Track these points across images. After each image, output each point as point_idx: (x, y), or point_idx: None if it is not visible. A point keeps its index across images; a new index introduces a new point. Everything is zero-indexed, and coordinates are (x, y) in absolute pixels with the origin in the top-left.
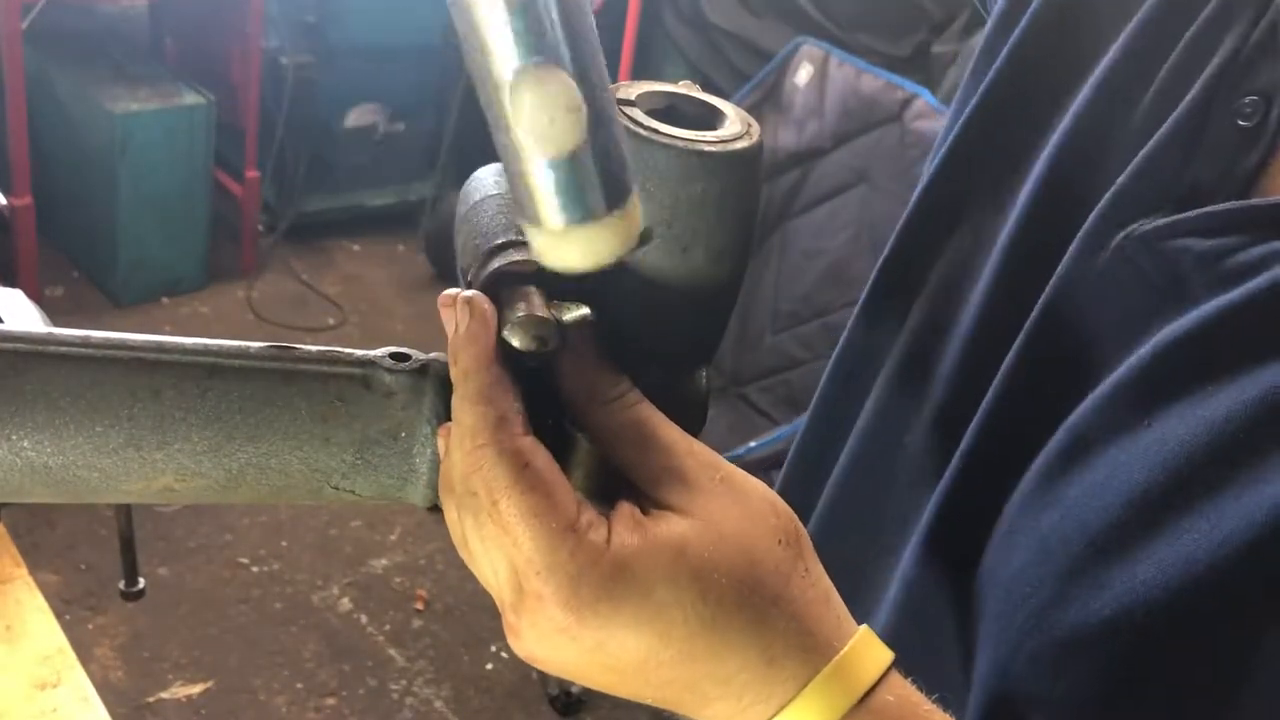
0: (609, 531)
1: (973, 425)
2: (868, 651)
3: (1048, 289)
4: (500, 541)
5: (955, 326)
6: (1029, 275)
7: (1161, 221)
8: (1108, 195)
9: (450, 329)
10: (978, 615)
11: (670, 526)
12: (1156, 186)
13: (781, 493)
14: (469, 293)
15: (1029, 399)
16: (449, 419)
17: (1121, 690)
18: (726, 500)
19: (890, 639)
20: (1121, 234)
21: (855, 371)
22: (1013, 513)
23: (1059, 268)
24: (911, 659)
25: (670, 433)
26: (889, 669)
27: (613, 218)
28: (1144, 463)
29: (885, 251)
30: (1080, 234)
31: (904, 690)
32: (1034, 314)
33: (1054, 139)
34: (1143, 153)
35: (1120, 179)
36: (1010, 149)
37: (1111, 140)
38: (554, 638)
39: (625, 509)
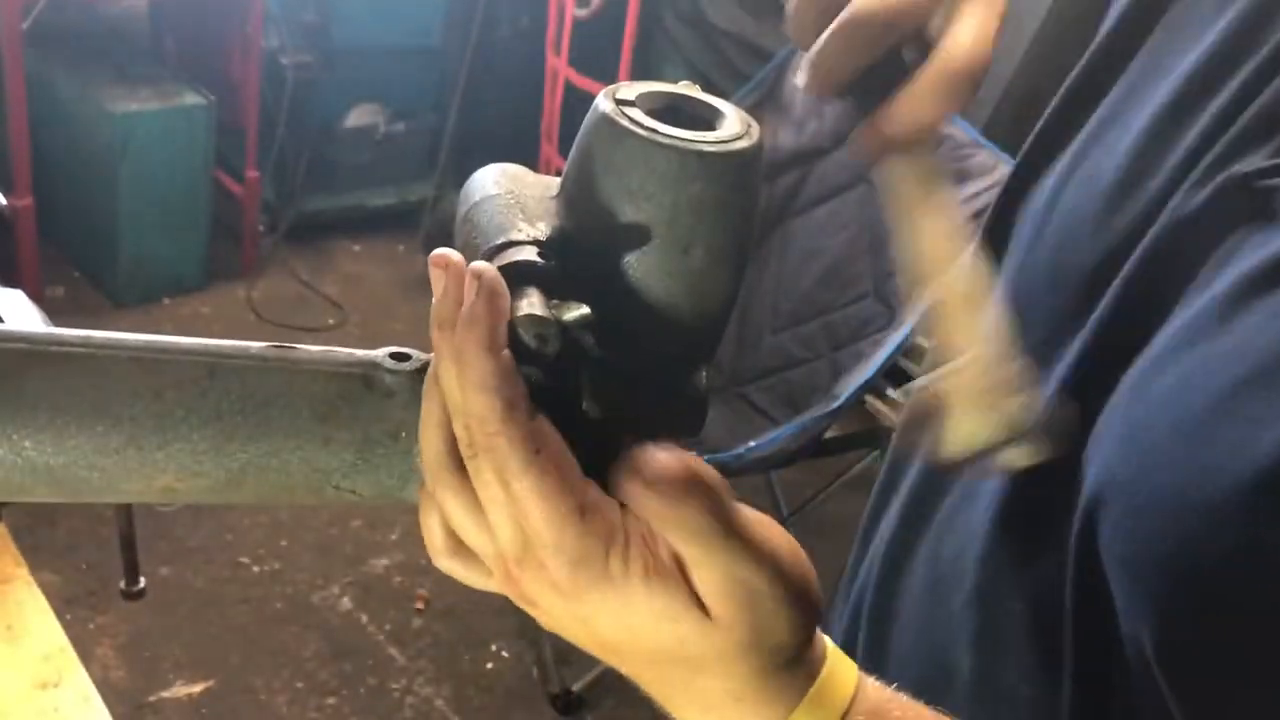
0: (617, 519)
1: (1066, 361)
2: (839, 673)
3: (1152, 230)
4: (510, 510)
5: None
6: (1132, 210)
7: (1265, 164)
8: (1214, 138)
9: (438, 291)
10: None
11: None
12: (1260, 127)
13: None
14: (481, 265)
15: (1124, 336)
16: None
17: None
18: None
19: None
20: (1223, 174)
21: None
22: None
23: (1165, 208)
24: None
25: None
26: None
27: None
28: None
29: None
30: (1181, 176)
31: (876, 697)
32: (1136, 255)
33: (1177, 75)
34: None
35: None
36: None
37: (1224, 84)
38: (549, 595)
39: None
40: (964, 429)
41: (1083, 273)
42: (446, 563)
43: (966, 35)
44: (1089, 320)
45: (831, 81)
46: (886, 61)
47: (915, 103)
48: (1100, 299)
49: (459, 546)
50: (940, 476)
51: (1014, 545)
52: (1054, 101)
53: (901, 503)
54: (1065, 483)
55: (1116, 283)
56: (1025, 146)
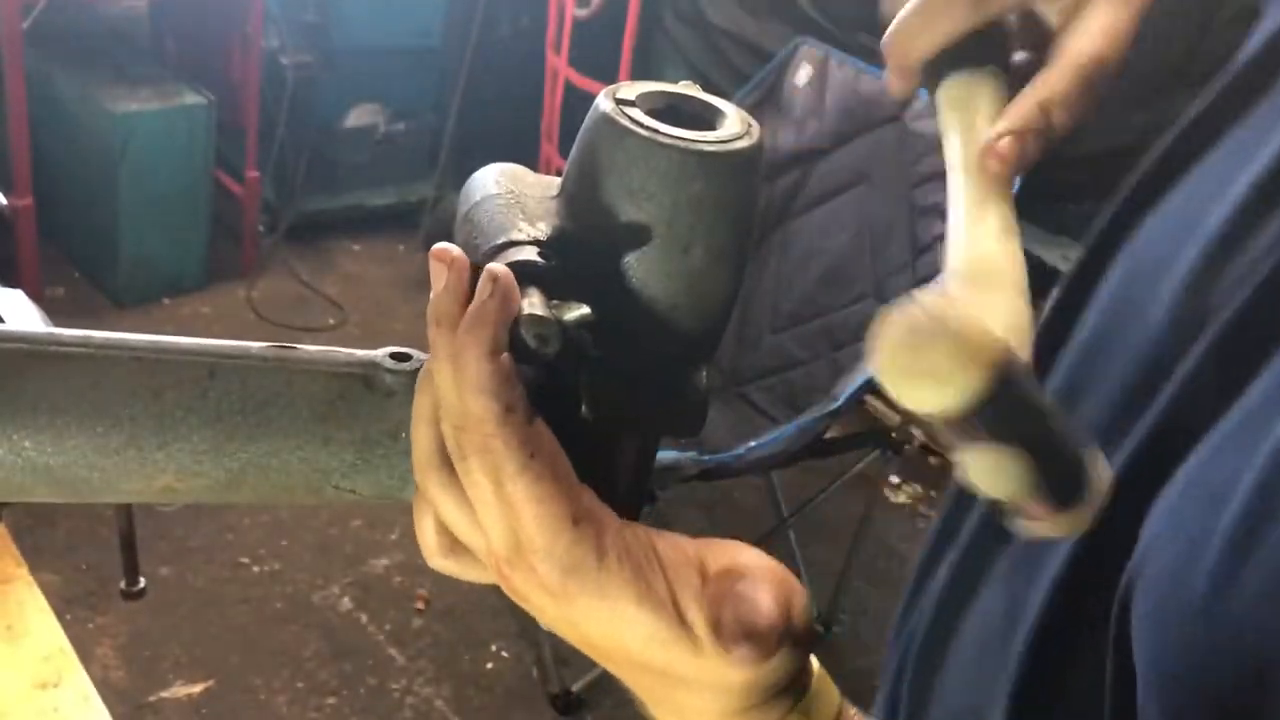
0: (611, 530)
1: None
2: (826, 691)
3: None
4: (501, 512)
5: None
6: (1233, 273)
7: None
8: None
9: (438, 286)
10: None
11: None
12: None
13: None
14: (497, 266)
15: (1198, 410)
16: None
17: None
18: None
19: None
20: None
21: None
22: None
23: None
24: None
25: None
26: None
27: (1083, 500)
28: None
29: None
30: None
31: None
32: (1225, 319)
33: None
34: None
35: None
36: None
37: None
38: (540, 595)
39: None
40: (979, 466)
41: (1162, 332)
42: (440, 562)
43: (1098, 29)
44: (1166, 389)
45: (908, 65)
46: (980, 44)
47: (1023, 116)
48: (1180, 367)
49: (454, 544)
50: (1001, 529)
51: (1064, 620)
52: (1160, 148)
53: (959, 551)
54: (1118, 563)
55: (1200, 351)
56: (1120, 200)
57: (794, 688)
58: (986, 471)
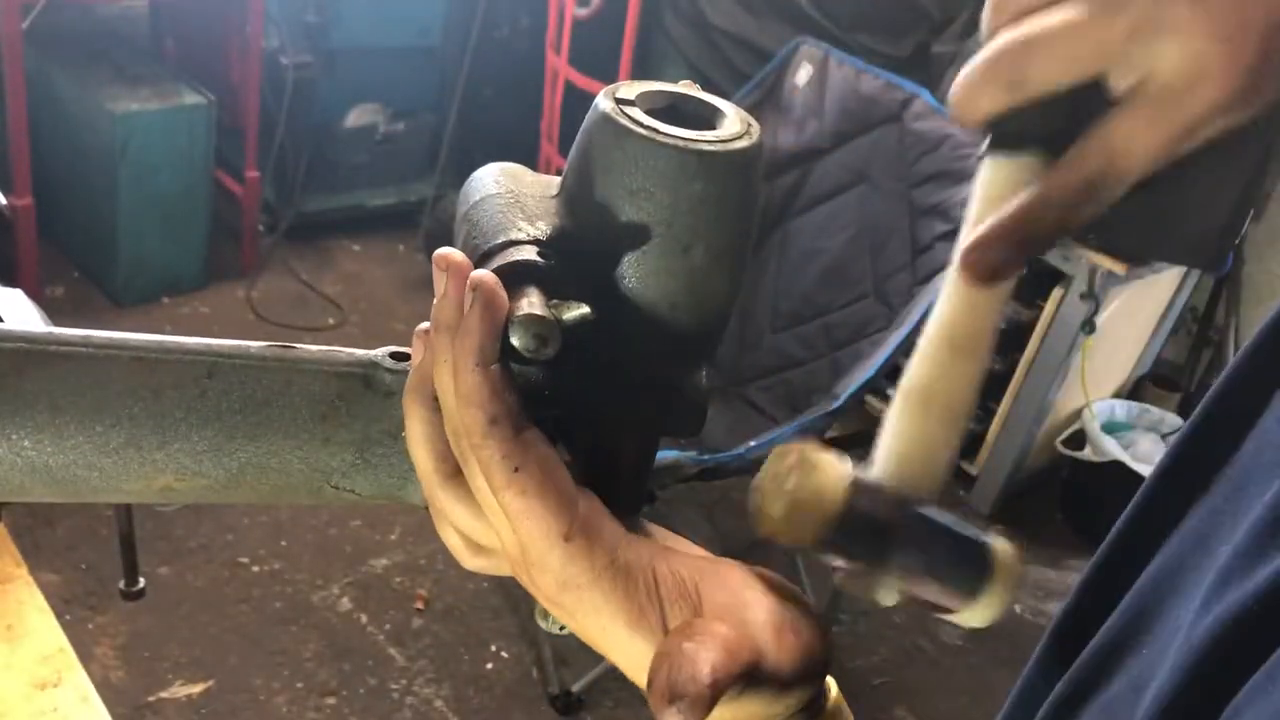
0: (609, 546)
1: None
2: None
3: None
4: (501, 520)
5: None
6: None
7: None
8: None
9: (439, 291)
10: None
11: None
12: None
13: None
14: (481, 273)
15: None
16: None
17: None
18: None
19: None
20: None
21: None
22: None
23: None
24: None
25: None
26: None
27: (991, 583)
28: None
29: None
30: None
31: None
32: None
33: None
34: None
35: None
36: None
37: None
38: (543, 596)
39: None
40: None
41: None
42: (474, 562)
43: (1122, 137)
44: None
45: (970, 117)
46: (1026, 120)
47: (1000, 224)
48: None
49: (478, 546)
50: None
51: None
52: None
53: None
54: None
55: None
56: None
57: (800, 713)
58: (863, 585)
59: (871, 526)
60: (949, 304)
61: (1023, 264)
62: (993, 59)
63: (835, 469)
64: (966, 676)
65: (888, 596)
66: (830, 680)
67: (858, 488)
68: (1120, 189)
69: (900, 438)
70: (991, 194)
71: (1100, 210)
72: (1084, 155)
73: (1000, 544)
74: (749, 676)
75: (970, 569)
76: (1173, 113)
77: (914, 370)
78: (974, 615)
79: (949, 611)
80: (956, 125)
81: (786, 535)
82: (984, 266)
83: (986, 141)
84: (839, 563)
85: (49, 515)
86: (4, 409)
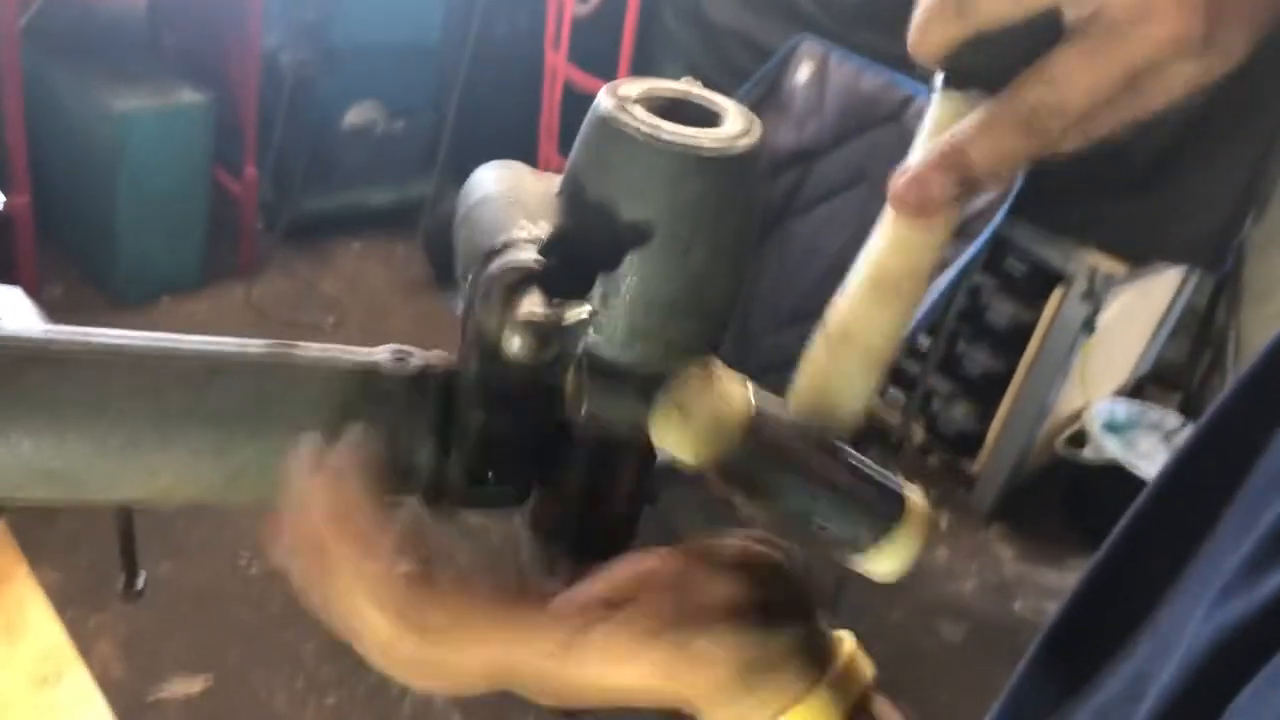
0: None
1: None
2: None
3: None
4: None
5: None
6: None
7: None
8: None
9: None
10: None
11: None
12: None
13: None
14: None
15: None
16: (450, 418)
17: None
18: None
19: None
20: None
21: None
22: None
23: None
24: None
25: None
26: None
27: (900, 530)
28: None
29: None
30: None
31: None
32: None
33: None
34: None
35: None
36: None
37: None
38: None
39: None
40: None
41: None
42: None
43: (1060, 75)
44: None
45: (925, 52)
46: (975, 56)
47: (930, 157)
48: None
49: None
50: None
51: None
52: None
53: None
54: None
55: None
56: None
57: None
58: (765, 518)
59: (774, 457)
60: (878, 240)
61: (957, 200)
62: None
63: (739, 393)
64: (966, 675)
65: (792, 534)
66: (846, 635)
67: (762, 415)
68: (1059, 124)
69: (814, 373)
70: (935, 129)
71: (1040, 148)
72: (1023, 86)
73: (913, 493)
74: (738, 612)
75: (879, 513)
76: (1116, 49)
77: (836, 306)
78: (880, 562)
79: (855, 555)
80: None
81: (682, 452)
82: (914, 197)
83: (939, 78)
84: (739, 494)
85: (49, 513)
86: (3, 409)
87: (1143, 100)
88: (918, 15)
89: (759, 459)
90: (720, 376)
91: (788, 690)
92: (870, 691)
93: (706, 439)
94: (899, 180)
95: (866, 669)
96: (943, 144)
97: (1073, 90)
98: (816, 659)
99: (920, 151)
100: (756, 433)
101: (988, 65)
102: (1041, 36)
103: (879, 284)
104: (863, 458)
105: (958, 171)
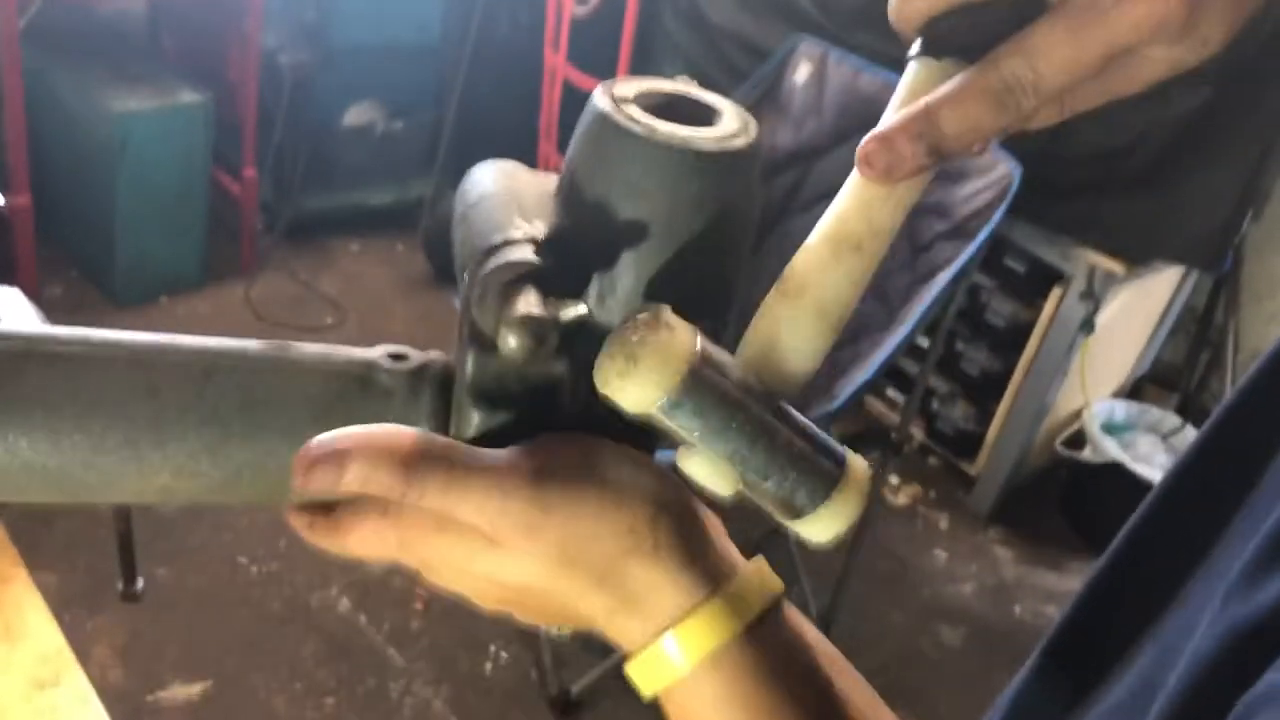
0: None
1: None
2: (756, 583)
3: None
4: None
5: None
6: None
7: None
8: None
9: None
10: None
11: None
12: None
13: None
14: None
15: None
16: (447, 418)
17: None
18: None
19: None
20: None
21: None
22: None
23: None
24: None
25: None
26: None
27: (837, 495)
28: None
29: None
30: None
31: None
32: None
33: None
34: None
35: None
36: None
37: None
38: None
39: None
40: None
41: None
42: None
43: (1034, 48)
44: None
45: (907, 21)
46: (954, 27)
47: (900, 123)
48: None
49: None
50: None
51: None
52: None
53: None
54: None
55: None
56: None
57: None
58: (701, 472)
59: (714, 404)
60: (842, 199)
61: (925, 167)
62: None
63: (685, 334)
64: (966, 678)
65: (724, 486)
66: (856, 459)
67: (707, 359)
68: (1034, 99)
69: (765, 326)
70: (908, 95)
71: (1012, 121)
72: (1000, 58)
73: (854, 458)
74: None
75: (816, 474)
76: (1096, 27)
77: (793, 261)
78: (814, 527)
79: (791, 517)
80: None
81: (624, 394)
82: (881, 160)
83: (916, 44)
84: (678, 439)
85: (47, 515)
86: (1, 409)
87: (1118, 82)
88: None
89: (701, 404)
90: (668, 321)
91: (672, 609)
92: (776, 604)
93: (649, 379)
94: (868, 142)
95: (771, 584)
96: (915, 110)
97: (1050, 66)
98: (709, 578)
99: (891, 116)
100: (700, 377)
101: (967, 35)
102: (1023, 10)
103: (839, 242)
104: (807, 420)
105: (927, 139)
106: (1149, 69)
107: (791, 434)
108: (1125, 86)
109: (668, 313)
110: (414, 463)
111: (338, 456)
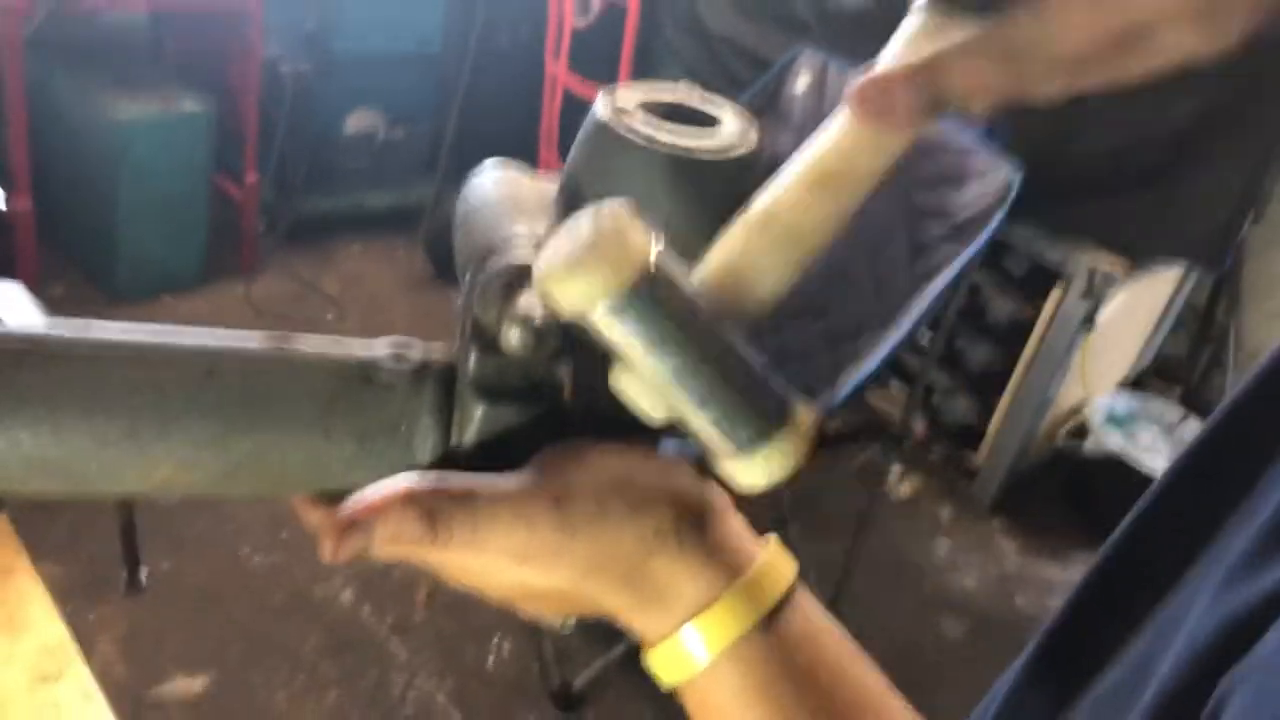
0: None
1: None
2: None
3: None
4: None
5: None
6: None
7: None
8: None
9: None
10: None
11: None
12: None
13: None
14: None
15: None
16: (450, 411)
17: None
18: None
19: None
20: None
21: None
22: None
23: None
24: None
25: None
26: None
27: (777, 437)
28: None
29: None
30: None
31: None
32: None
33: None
34: None
35: None
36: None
37: None
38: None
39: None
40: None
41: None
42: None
43: (1051, 17)
44: None
45: None
46: None
47: (900, 68)
48: None
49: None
50: None
51: None
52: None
53: None
54: None
55: None
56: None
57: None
58: (634, 389)
59: (662, 316)
60: (826, 136)
61: (917, 117)
62: None
63: (642, 235)
64: (967, 673)
65: (656, 408)
66: (803, 407)
67: (661, 266)
68: (1046, 66)
69: (726, 250)
70: (908, 41)
71: (1020, 87)
72: (1018, 19)
73: (801, 404)
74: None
75: (759, 412)
76: (1118, 2)
77: (764, 194)
78: (749, 468)
79: (725, 456)
80: None
81: (566, 290)
82: (875, 103)
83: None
84: (618, 352)
85: (50, 507)
86: (3, 401)
87: (1130, 64)
88: None
89: (647, 313)
90: (626, 217)
91: (691, 602)
92: (792, 591)
93: (596, 277)
94: (865, 82)
95: (786, 572)
96: (919, 60)
97: (1068, 34)
98: (728, 570)
99: (890, 59)
100: (652, 281)
101: None
102: None
103: (814, 177)
104: (758, 356)
105: (930, 90)
106: (1163, 55)
107: (740, 364)
108: (1136, 70)
109: (628, 208)
110: (437, 511)
111: (362, 526)
